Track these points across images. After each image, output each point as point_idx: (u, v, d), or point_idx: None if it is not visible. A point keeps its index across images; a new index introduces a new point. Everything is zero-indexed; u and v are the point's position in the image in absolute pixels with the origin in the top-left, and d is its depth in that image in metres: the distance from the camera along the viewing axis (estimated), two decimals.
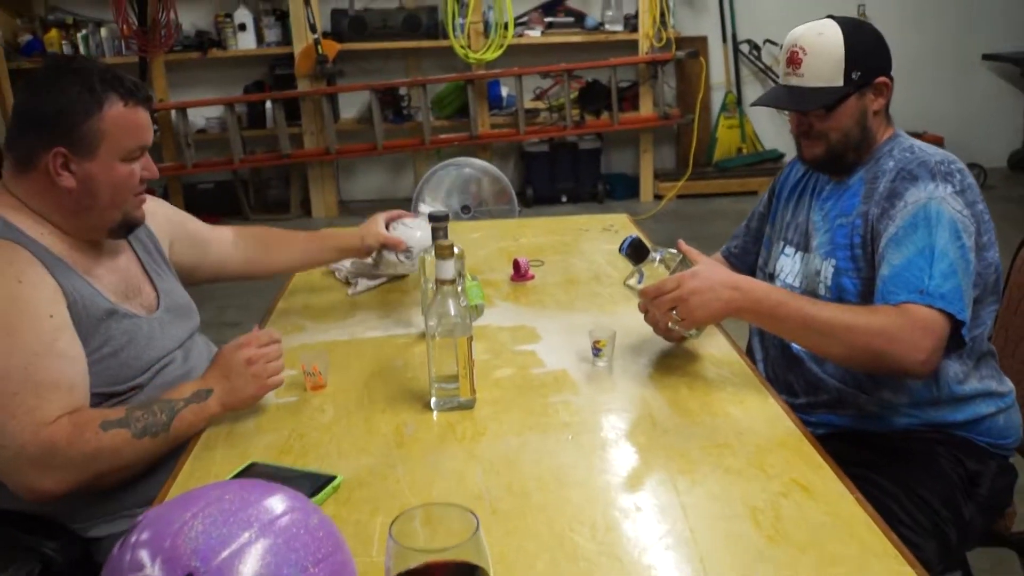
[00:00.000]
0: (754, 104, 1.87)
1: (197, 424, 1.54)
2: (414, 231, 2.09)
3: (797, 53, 1.74)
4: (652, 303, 1.65)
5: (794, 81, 1.76)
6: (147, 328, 1.67)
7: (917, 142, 1.77)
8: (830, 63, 1.71)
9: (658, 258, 1.73)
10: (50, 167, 1.54)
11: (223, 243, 2.04)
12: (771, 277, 1.93)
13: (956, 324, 1.57)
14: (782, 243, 1.93)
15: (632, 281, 1.73)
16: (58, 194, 1.57)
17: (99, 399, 1.57)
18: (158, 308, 1.74)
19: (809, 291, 1.81)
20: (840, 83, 1.72)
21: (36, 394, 1.44)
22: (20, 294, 1.48)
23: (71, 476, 1.45)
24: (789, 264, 1.89)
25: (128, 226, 1.68)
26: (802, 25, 1.77)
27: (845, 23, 1.74)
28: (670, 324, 1.66)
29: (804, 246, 1.86)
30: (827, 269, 1.77)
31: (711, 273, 1.62)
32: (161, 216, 1.89)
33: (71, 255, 1.60)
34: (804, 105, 1.75)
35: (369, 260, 2.16)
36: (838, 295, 1.75)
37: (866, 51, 1.73)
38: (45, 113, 1.54)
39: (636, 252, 1.74)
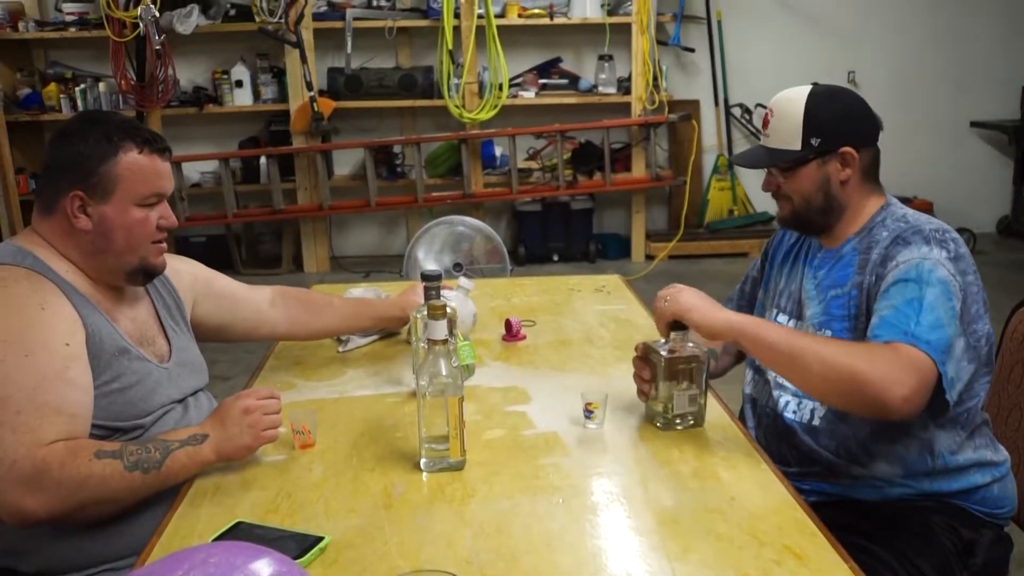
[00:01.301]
0: (731, 162, 1.91)
1: (191, 467, 1.54)
2: (451, 303, 2.10)
3: (767, 115, 1.81)
4: (662, 290, 1.72)
5: (763, 141, 1.83)
6: (156, 374, 1.71)
7: (910, 211, 1.77)
8: (789, 126, 1.75)
9: (691, 341, 1.73)
10: (68, 209, 1.62)
11: (258, 303, 2.06)
12: None
13: (940, 384, 1.55)
14: (775, 310, 1.92)
15: (659, 343, 1.74)
16: (76, 236, 1.64)
17: (105, 432, 1.59)
18: (169, 360, 1.77)
19: None
20: (797, 147, 1.74)
21: (39, 415, 1.47)
22: (41, 319, 1.54)
23: (57, 500, 1.45)
24: None
25: (146, 273, 1.72)
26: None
27: (819, 90, 1.76)
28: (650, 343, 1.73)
29: (797, 314, 1.86)
30: None
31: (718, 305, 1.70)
32: (187, 275, 1.93)
33: (93, 294, 1.66)
34: (763, 163, 1.81)
35: (404, 328, 2.18)
36: None
37: (830, 119, 1.74)
38: (66, 158, 1.63)
39: (679, 324, 1.72)
